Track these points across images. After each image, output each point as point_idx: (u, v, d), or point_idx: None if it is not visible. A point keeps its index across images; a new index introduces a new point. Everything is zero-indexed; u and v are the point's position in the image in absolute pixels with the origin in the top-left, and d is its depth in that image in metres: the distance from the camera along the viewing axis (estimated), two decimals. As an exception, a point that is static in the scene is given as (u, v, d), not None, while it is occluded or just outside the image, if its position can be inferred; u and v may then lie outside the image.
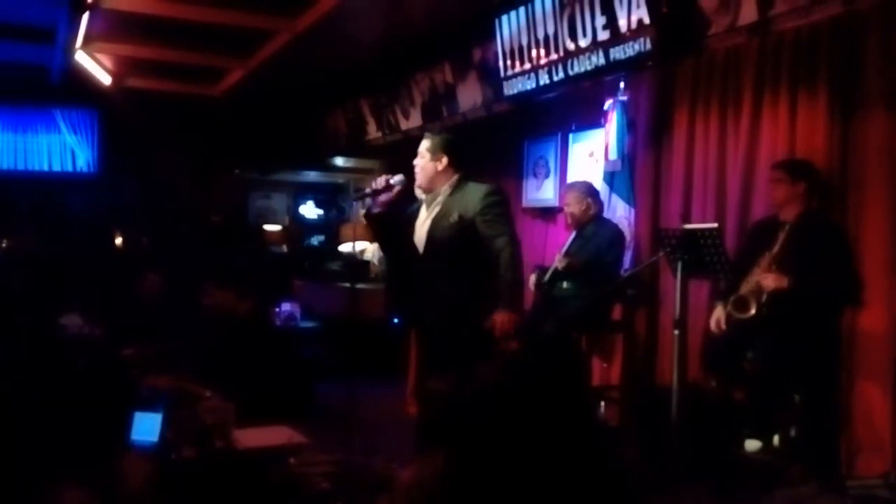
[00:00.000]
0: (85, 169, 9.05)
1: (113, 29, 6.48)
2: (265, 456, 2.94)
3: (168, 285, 6.25)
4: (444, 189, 3.73)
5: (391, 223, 3.84)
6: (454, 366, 3.40)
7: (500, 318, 3.51)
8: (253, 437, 3.16)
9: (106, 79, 7.59)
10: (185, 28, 6.21)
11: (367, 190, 3.80)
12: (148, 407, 2.93)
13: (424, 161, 3.74)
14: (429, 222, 3.74)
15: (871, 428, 3.85)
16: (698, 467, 3.74)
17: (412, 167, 3.81)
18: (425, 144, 3.76)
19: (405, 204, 3.87)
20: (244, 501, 2.71)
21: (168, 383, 3.30)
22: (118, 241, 8.99)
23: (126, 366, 3.91)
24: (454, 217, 3.64)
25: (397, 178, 3.77)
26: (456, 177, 3.73)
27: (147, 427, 2.88)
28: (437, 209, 3.73)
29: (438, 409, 3.94)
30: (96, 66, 7.30)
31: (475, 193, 3.66)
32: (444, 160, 3.70)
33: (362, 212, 4.00)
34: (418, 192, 3.84)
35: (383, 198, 3.76)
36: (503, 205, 3.71)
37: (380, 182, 3.76)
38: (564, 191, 5.19)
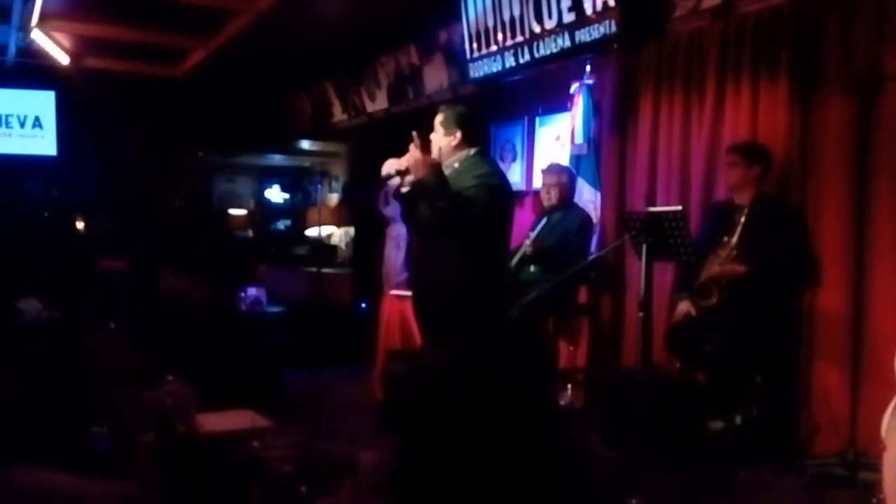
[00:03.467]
0: (45, 151, 8.83)
1: (70, 7, 6.32)
2: (228, 440, 2.91)
3: (130, 270, 6.17)
4: (453, 164, 3.58)
5: (420, 200, 3.66)
6: (438, 345, 3.35)
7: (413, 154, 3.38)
8: (216, 422, 3.13)
9: (64, 59, 7.40)
10: (144, 7, 6.07)
11: (392, 171, 3.60)
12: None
13: (438, 136, 3.62)
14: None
15: (829, 408, 3.92)
16: (662, 448, 3.78)
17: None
18: (439, 118, 3.64)
19: None
20: (207, 485, 2.68)
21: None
22: (79, 225, 8.82)
23: (85, 349, 3.85)
24: None
25: None
26: (468, 151, 3.59)
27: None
28: None
29: (399, 391, 3.94)
30: (53, 46, 7.12)
31: (474, 170, 3.49)
32: (458, 135, 3.57)
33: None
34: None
35: (409, 177, 3.56)
36: (490, 189, 3.45)
37: (402, 163, 3.55)
38: (550, 171, 5.09)
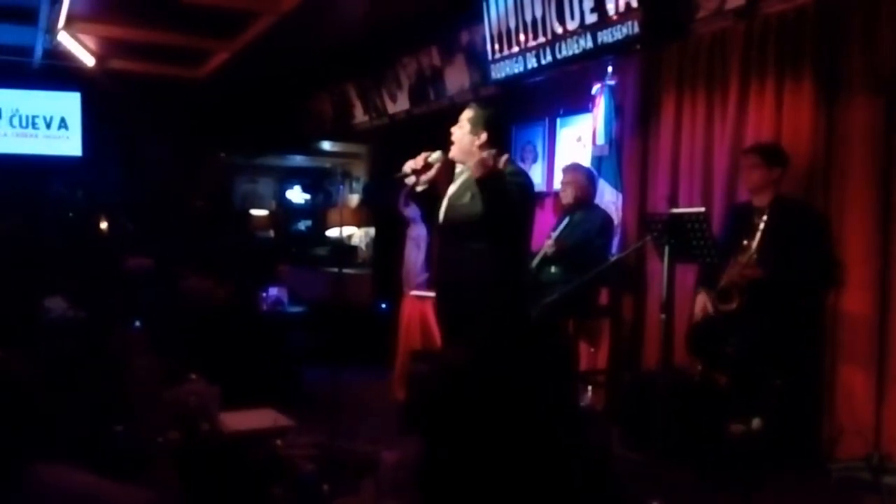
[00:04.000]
0: (70, 152, 8.94)
1: (96, 9, 6.39)
2: (251, 439, 2.93)
3: (156, 269, 6.23)
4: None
5: (435, 199, 3.72)
6: (462, 345, 3.37)
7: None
8: (239, 420, 3.16)
9: (89, 60, 7.49)
10: (168, 9, 6.13)
11: (407, 171, 3.64)
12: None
13: (462, 132, 3.59)
14: (446, 198, 3.62)
15: (853, 411, 3.88)
16: (682, 451, 3.76)
17: (448, 139, 3.65)
18: (467, 115, 3.61)
19: (447, 178, 3.73)
20: (230, 483, 2.70)
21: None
22: (103, 225, 8.92)
23: (110, 348, 3.89)
24: (467, 197, 3.51)
25: (435, 156, 3.61)
26: (490, 152, 3.52)
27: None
28: (457, 186, 3.61)
29: (421, 391, 3.92)
30: (79, 48, 7.20)
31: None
32: (483, 136, 3.55)
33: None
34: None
35: (425, 176, 3.62)
36: (519, 187, 3.49)
37: (418, 162, 3.60)
38: (567, 169, 5.10)
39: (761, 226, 3.92)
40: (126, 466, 2.64)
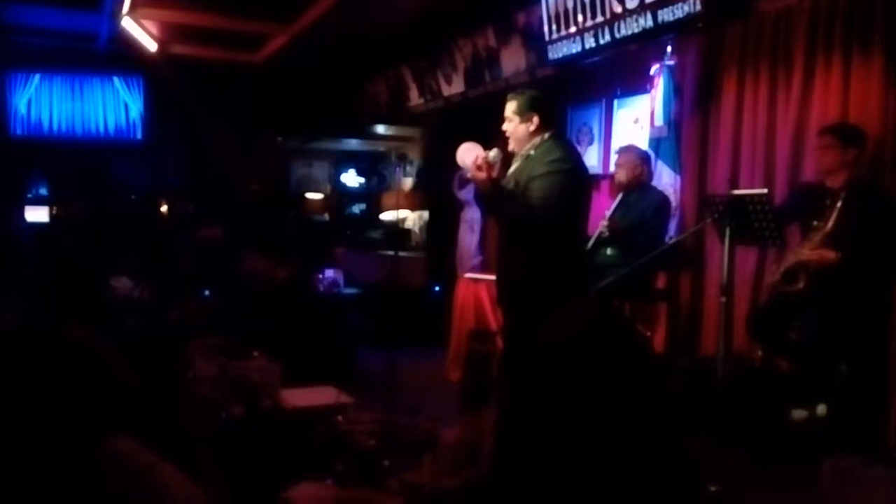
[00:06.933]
0: (132, 136, 9.18)
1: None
2: (312, 414, 2.99)
3: (225, 239, 6.39)
4: (529, 151, 3.50)
5: None
6: (517, 332, 3.41)
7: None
8: (300, 397, 3.21)
9: (151, 45, 7.64)
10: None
11: (468, 175, 3.57)
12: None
13: (514, 125, 3.52)
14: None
15: (920, 399, 3.79)
16: (743, 437, 3.71)
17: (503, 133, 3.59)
18: (512, 107, 3.54)
19: (505, 170, 3.68)
20: (292, 458, 2.76)
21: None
22: (163, 208, 9.13)
23: (174, 327, 4.00)
24: (511, 184, 3.48)
25: (493, 155, 3.50)
26: (542, 136, 3.51)
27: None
28: (508, 173, 3.57)
29: (482, 370, 3.95)
30: (142, 33, 7.35)
31: (546, 156, 3.42)
32: (536, 119, 3.49)
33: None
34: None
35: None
36: (562, 175, 3.40)
37: (479, 164, 3.47)
38: (619, 151, 5.09)
39: (837, 207, 3.81)
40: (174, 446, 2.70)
